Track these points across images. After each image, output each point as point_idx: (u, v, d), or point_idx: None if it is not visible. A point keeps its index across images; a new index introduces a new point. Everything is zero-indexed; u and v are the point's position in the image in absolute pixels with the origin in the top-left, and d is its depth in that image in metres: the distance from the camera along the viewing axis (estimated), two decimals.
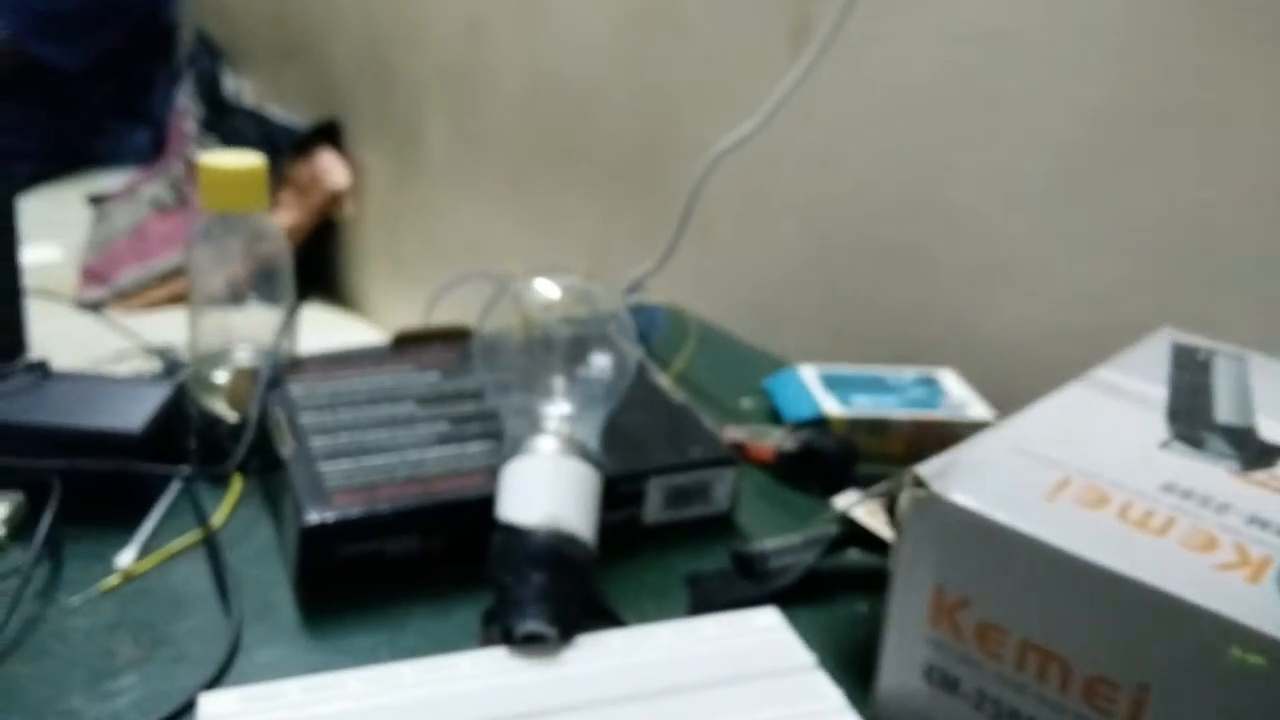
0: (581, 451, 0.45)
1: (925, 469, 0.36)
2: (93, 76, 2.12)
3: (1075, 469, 0.37)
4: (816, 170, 0.84)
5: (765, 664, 0.40)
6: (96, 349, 0.88)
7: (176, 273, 1.56)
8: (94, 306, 1.53)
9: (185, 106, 1.88)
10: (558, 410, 0.47)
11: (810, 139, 0.84)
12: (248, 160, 0.56)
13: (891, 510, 0.51)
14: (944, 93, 0.73)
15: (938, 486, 0.35)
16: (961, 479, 0.36)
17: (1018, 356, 0.70)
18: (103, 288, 1.58)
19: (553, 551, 0.41)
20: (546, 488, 0.43)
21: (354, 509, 0.44)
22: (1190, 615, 0.30)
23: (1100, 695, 0.32)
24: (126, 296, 1.55)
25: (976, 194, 0.72)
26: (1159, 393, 0.43)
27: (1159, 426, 0.40)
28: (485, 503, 0.45)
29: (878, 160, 0.79)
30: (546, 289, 0.51)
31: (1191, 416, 0.41)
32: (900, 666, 0.38)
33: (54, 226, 1.88)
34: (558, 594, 0.41)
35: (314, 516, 0.44)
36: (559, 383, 0.49)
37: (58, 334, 0.67)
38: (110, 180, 2.04)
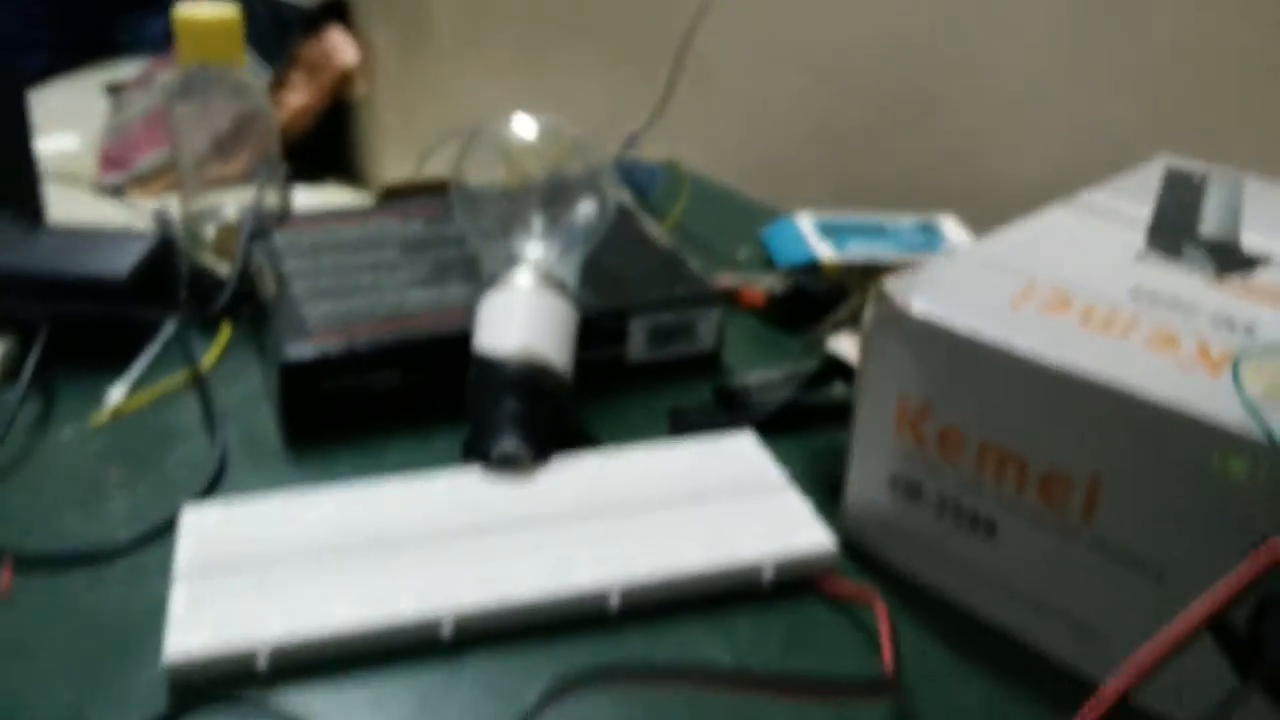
0: (558, 287, 0.45)
1: (889, 283, 0.36)
2: None
3: (1042, 278, 0.36)
4: (823, 14, 0.81)
5: (738, 480, 0.41)
6: None
7: None
8: (113, 191, 1.53)
9: None
10: (536, 248, 0.47)
11: None
12: (222, 9, 0.56)
13: None
14: None
15: (900, 299, 0.35)
16: (924, 290, 0.35)
17: (1023, 199, 0.68)
18: (121, 173, 1.58)
19: (527, 379, 0.42)
20: (522, 319, 0.43)
21: (333, 345, 0.45)
22: (1140, 406, 0.30)
23: (1055, 492, 0.32)
24: (145, 181, 1.55)
25: (980, 38, 0.69)
26: (1145, 212, 0.42)
27: (1139, 242, 0.39)
28: (465, 339, 0.46)
29: (885, 3, 0.76)
30: (524, 127, 0.50)
31: (1174, 231, 0.40)
32: (866, 478, 0.38)
33: (73, 116, 1.87)
34: (532, 419, 0.42)
35: (294, 352, 0.44)
36: (538, 223, 0.49)
37: (77, 218, 0.67)
38: (129, 69, 2.02)
